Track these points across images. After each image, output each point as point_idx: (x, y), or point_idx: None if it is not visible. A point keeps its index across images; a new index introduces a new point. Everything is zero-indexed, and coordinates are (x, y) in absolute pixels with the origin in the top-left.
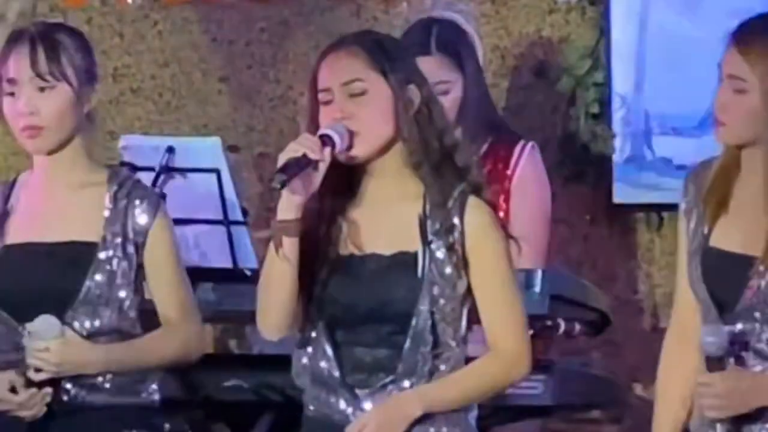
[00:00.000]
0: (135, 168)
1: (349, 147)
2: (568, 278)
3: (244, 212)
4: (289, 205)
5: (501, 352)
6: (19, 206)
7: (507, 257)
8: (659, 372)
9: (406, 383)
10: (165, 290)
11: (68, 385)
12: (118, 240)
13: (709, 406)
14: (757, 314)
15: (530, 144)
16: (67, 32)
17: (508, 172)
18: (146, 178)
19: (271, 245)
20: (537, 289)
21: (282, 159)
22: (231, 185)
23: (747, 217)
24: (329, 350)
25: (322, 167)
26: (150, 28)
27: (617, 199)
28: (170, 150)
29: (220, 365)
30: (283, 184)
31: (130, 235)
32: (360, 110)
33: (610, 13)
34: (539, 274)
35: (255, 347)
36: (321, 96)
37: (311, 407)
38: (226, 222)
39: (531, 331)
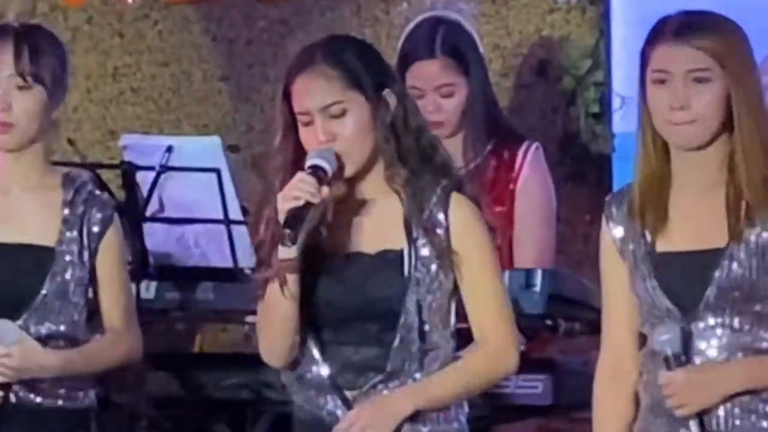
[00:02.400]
0: (135, 167)
1: (339, 167)
2: (568, 278)
3: (245, 212)
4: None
5: (489, 347)
6: None
7: (492, 251)
8: (595, 406)
9: (396, 382)
10: (113, 297)
11: (17, 387)
12: (75, 246)
13: (675, 405)
14: (726, 306)
15: (534, 145)
16: (47, 37)
17: (513, 174)
18: (146, 177)
19: (272, 285)
20: (537, 288)
21: (283, 206)
22: (231, 185)
23: (694, 215)
24: (316, 351)
25: (322, 204)
26: (150, 28)
27: None
28: (170, 149)
29: (220, 365)
30: (296, 241)
31: (86, 242)
32: (343, 131)
33: (610, 13)
34: (539, 273)
35: (255, 347)
36: (300, 117)
37: (300, 408)
38: (227, 221)
39: (515, 328)
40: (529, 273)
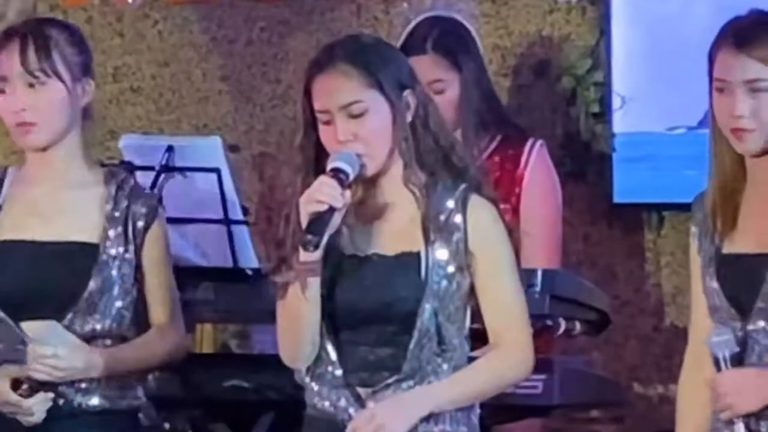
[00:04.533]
0: (135, 167)
1: (361, 167)
2: (568, 278)
3: (245, 211)
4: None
5: (504, 350)
6: (12, 202)
7: (510, 254)
8: (679, 395)
9: (410, 383)
10: (158, 293)
11: (64, 389)
12: (120, 242)
13: (721, 406)
14: None
15: (539, 142)
16: (59, 28)
17: (519, 172)
18: (146, 177)
19: (293, 288)
20: (537, 288)
21: (306, 210)
22: (231, 185)
23: (760, 218)
24: (332, 350)
25: (344, 208)
26: (150, 28)
27: (617, 199)
28: (170, 149)
29: (220, 365)
30: (318, 245)
31: (131, 237)
32: (363, 130)
33: (610, 13)
34: (539, 273)
35: (255, 347)
36: (320, 116)
37: (313, 406)
38: (227, 221)
39: (531, 331)
40: (529, 273)
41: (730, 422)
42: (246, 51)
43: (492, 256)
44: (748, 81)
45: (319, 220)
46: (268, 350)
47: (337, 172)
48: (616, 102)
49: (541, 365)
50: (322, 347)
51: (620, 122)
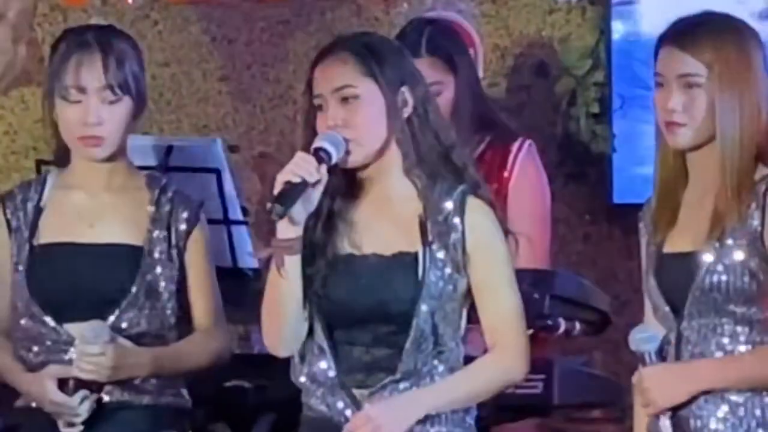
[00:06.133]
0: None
1: (346, 153)
2: (568, 278)
3: (244, 212)
4: (289, 225)
5: (501, 352)
6: (53, 205)
7: (507, 257)
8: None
9: (406, 384)
10: (201, 296)
11: (110, 388)
12: (164, 245)
13: (644, 401)
14: (707, 308)
15: (527, 142)
16: (126, 41)
17: (506, 172)
18: None
19: (273, 265)
20: (536, 289)
21: (279, 182)
22: (231, 185)
23: (697, 217)
24: (327, 350)
25: (320, 185)
26: (150, 28)
27: (617, 199)
28: (170, 149)
29: (220, 365)
30: (283, 215)
31: (174, 240)
32: (353, 116)
33: (610, 13)
34: (539, 274)
35: (255, 347)
36: (315, 101)
37: (310, 407)
38: (227, 222)
39: (531, 331)
40: (528, 273)
41: (657, 417)
42: (246, 51)
43: (489, 257)
44: (682, 75)
45: (290, 192)
46: (268, 350)
47: (318, 151)
48: (616, 102)
49: (541, 365)
50: (318, 346)
51: (620, 122)
